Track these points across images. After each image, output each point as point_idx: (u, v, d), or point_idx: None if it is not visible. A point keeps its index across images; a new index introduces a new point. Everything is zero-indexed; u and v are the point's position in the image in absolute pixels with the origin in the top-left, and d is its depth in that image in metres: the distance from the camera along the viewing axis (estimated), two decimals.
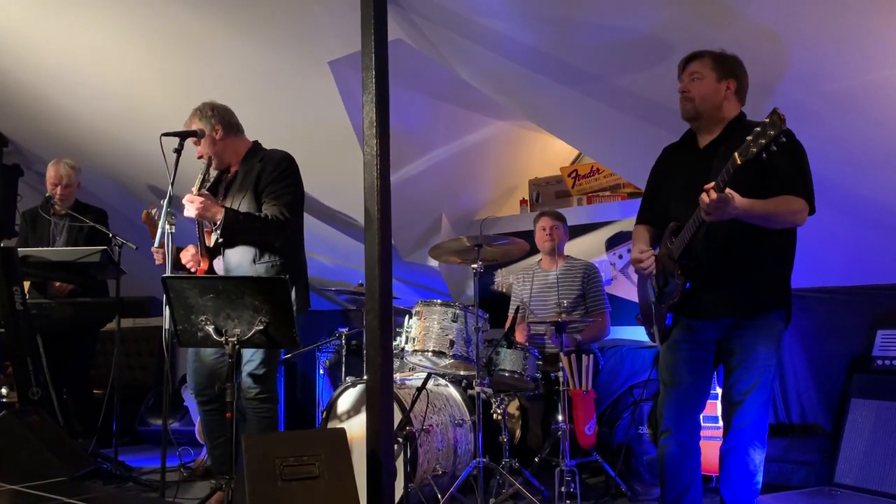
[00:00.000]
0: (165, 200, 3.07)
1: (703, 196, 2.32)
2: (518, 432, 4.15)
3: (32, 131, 5.35)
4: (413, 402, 3.43)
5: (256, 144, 3.43)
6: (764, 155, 2.20)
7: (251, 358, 3.22)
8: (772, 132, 2.18)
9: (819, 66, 2.92)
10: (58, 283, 4.38)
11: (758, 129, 2.21)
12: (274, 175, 3.27)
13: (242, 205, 3.26)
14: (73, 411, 4.25)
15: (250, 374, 3.21)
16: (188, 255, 3.32)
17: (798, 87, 3.00)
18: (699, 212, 2.39)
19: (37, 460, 3.16)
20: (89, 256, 4.02)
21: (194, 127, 3.29)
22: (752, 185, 2.43)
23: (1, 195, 5.39)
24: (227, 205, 3.29)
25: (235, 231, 3.18)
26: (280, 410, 5.28)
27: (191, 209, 3.11)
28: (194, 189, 3.17)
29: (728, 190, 2.31)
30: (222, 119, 3.34)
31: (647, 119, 3.46)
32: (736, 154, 2.25)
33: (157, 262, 3.22)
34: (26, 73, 4.57)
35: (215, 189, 3.44)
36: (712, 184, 2.32)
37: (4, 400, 4.74)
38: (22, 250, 3.99)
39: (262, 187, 3.26)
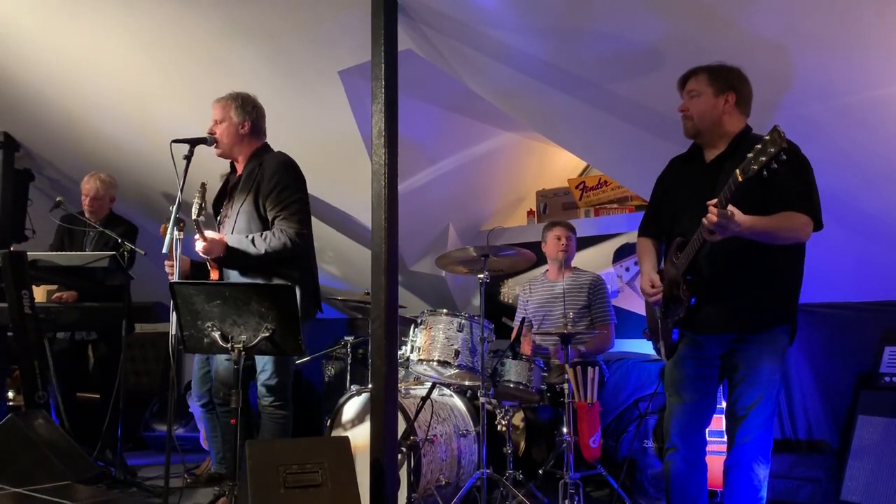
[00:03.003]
0: (174, 207, 3.08)
1: (708, 215, 2.32)
2: (522, 444, 4.14)
3: (43, 136, 5.39)
4: (417, 412, 3.42)
5: (264, 146, 3.42)
6: (765, 172, 2.20)
7: (264, 368, 3.23)
8: (772, 150, 2.17)
9: (827, 81, 2.91)
10: (56, 294, 4.42)
11: (758, 146, 2.20)
12: (273, 182, 3.23)
13: (244, 208, 3.28)
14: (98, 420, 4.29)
15: (264, 384, 3.24)
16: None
17: (806, 100, 3.00)
18: (702, 230, 2.39)
19: (41, 464, 3.17)
20: (98, 262, 4.05)
21: (223, 112, 3.31)
22: (757, 201, 2.43)
23: (11, 199, 5.43)
24: (231, 208, 3.33)
25: (247, 260, 3.21)
26: None
27: (199, 248, 3.16)
28: (194, 213, 3.11)
29: (730, 207, 2.31)
30: (255, 118, 3.37)
31: (655, 131, 3.46)
32: (737, 171, 2.25)
33: (171, 278, 3.23)
34: (38, 79, 4.61)
35: (224, 192, 3.46)
36: (715, 200, 2.32)
37: (11, 403, 4.76)
38: (32, 254, 4.02)
39: (263, 194, 3.24)
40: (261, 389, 3.26)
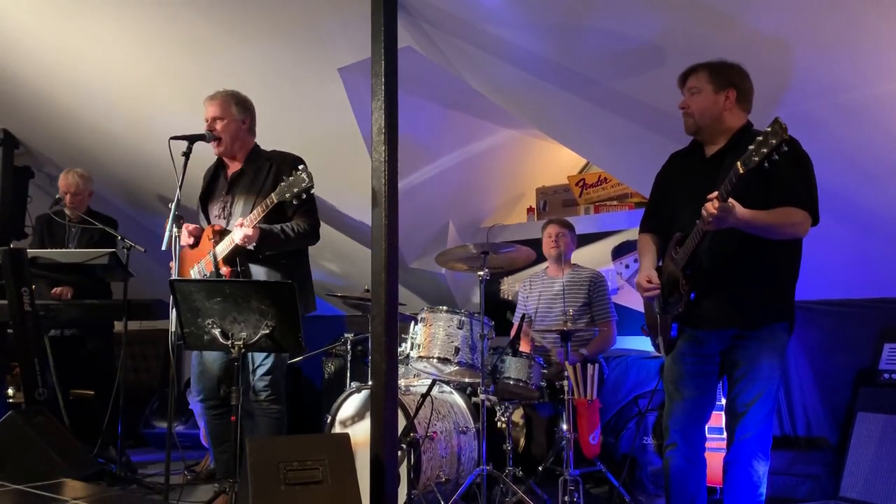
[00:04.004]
0: (173, 204, 3.09)
1: (707, 206, 2.33)
2: (522, 441, 4.15)
3: (43, 133, 5.39)
4: (417, 409, 3.43)
5: (257, 146, 3.49)
6: (766, 164, 2.20)
7: (262, 362, 3.26)
8: (773, 141, 2.18)
9: (828, 77, 2.91)
10: (55, 290, 4.42)
11: (760, 138, 2.21)
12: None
13: (259, 203, 3.29)
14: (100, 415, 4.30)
15: (261, 380, 3.28)
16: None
17: (806, 97, 3.00)
18: (700, 221, 2.39)
19: (42, 461, 3.17)
20: (98, 258, 4.05)
21: (224, 110, 3.35)
22: (757, 195, 2.43)
23: (11, 197, 5.43)
24: (236, 203, 3.36)
25: (275, 249, 3.27)
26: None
27: (239, 235, 3.15)
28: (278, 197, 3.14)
29: (730, 199, 2.32)
30: (252, 116, 3.46)
31: (654, 128, 3.46)
32: (738, 163, 2.26)
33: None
34: (38, 76, 4.61)
35: (214, 185, 3.45)
36: (716, 193, 2.33)
37: (11, 400, 4.76)
38: (31, 251, 4.02)
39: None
40: (258, 384, 3.28)
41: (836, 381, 3.89)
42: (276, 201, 3.05)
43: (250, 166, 3.40)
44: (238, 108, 3.38)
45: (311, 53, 3.80)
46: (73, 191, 4.57)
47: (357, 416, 3.57)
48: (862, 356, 3.83)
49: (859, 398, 3.69)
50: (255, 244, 3.18)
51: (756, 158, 2.21)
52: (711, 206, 2.32)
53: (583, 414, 3.64)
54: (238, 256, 3.25)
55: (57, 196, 4.61)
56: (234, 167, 3.44)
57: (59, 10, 3.96)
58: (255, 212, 3.19)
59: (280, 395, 3.32)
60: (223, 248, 3.25)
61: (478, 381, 3.54)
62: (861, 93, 2.91)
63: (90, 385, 4.70)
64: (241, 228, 3.15)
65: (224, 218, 3.39)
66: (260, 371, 3.27)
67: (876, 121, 3.01)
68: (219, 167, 3.52)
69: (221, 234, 3.30)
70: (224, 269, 3.24)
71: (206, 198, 3.52)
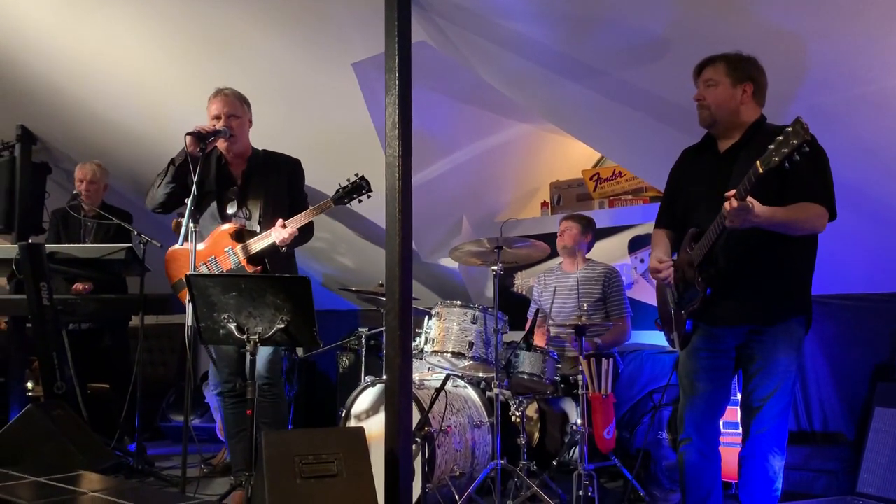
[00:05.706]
0: (190, 199, 3.10)
1: (726, 204, 2.31)
2: (536, 435, 4.15)
3: (60, 130, 5.43)
4: (432, 403, 3.44)
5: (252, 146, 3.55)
6: (787, 164, 2.18)
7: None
8: (795, 141, 2.15)
9: (847, 69, 2.88)
10: (76, 285, 4.46)
11: (780, 137, 2.18)
12: (301, 181, 3.52)
13: (279, 201, 3.40)
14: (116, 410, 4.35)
15: (265, 365, 3.34)
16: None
17: (823, 89, 2.97)
18: (721, 218, 2.37)
19: (60, 453, 3.21)
20: (115, 254, 4.08)
21: (240, 108, 3.41)
22: (773, 191, 2.41)
23: (29, 192, 5.47)
24: (254, 204, 3.40)
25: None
26: (299, 409, 5.33)
27: (281, 236, 3.26)
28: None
29: (749, 198, 2.30)
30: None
31: (668, 122, 3.44)
32: (758, 163, 2.23)
33: None
34: (55, 73, 4.64)
35: (225, 186, 3.46)
36: (734, 191, 2.31)
37: (30, 394, 4.82)
38: (49, 246, 4.05)
39: (295, 190, 3.48)
40: (259, 370, 3.32)
41: (853, 376, 3.86)
42: (333, 206, 3.35)
43: (257, 168, 3.45)
44: (247, 108, 3.45)
45: (325, 48, 3.80)
46: (89, 178, 4.59)
47: (371, 410, 3.59)
48: (879, 351, 3.81)
49: (876, 393, 3.66)
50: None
51: (777, 159, 2.18)
52: (728, 205, 2.30)
53: (597, 408, 3.63)
54: (266, 257, 3.29)
55: (74, 192, 4.64)
56: (239, 165, 3.45)
57: (76, 7, 3.99)
58: (302, 215, 3.29)
59: (278, 380, 3.43)
60: (258, 247, 3.30)
61: (492, 375, 3.54)
62: (879, 85, 2.87)
63: (107, 379, 4.74)
64: (285, 229, 3.24)
65: (244, 218, 3.41)
66: (265, 355, 3.35)
67: (891, 113, 2.97)
68: (221, 163, 3.47)
69: (241, 233, 3.33)
70: (255, 269, 3.29)
71: (218, 191, 3.52)
